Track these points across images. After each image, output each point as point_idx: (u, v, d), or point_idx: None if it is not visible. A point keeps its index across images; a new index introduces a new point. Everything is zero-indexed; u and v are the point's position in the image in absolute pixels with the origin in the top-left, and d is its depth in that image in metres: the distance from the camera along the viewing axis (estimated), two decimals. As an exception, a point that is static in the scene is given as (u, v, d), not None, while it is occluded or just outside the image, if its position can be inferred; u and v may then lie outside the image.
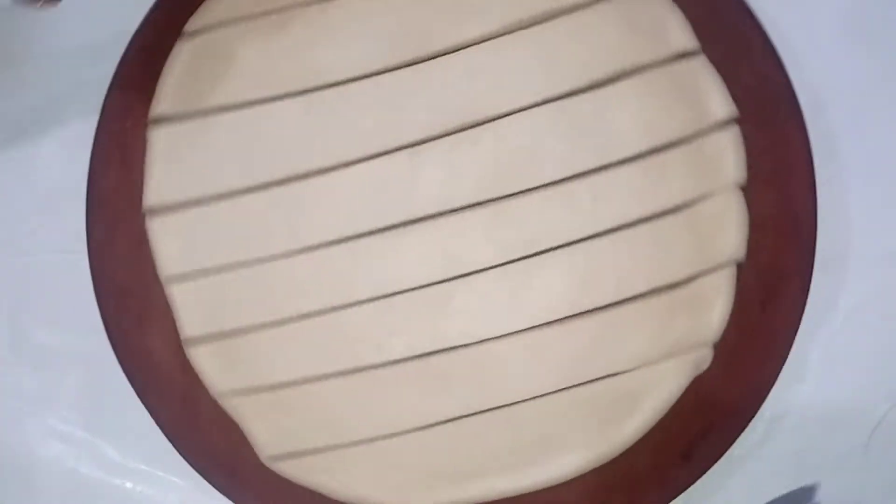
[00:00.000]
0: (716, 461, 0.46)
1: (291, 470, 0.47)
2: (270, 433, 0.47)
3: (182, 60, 0.48)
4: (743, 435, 0.47)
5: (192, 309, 0.48)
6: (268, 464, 0.47)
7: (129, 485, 0.51)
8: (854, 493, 0.49)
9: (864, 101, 0.50)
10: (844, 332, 0.50)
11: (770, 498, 0.49)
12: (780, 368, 0.46)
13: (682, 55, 0.47)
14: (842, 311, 0.50)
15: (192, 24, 0.48)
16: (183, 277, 0.48)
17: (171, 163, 0.48)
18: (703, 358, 0.47)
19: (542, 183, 0.47)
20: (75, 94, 0.51)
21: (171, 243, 0.48)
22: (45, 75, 0.52)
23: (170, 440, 0.47)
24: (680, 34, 0.47)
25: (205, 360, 0.48)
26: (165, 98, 0.48)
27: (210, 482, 0.47)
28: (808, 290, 0.47)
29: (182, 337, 0.48)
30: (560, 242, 0.47)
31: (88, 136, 0.48)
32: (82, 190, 0.48)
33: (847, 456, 0.50)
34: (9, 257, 0.52)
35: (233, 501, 0.47)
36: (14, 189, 0.52)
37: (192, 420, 0.48)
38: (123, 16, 0.48)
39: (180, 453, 0.47)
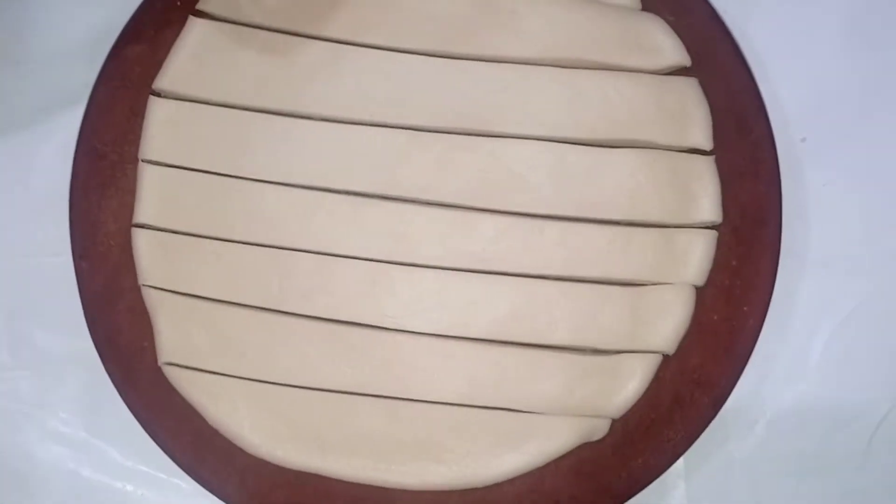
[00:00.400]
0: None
1: (181, 381, 0.48)
2: (175, 340, 0.48)
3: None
4: (744, 437, 0.50)
5: (150, 195, 0.49)
6: (163, 368, 0.48)
7: (129, 487, 0.51)
8: (855, 494, 0.51)
9: (861, 107, 0.52)
10: (844, 334, 0.51)
11: (771, 498, 0.51)
12: (658, 475, 0.47)
13: (694, 150, 0.49)
14: (842, 312, 0.51)
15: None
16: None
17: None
18: (598, 428, 0.48)
19: (517, 210, 0.48)
20: (67, 96, 0.51)
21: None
22: (37, 77, 0.52)
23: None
24: (700, 131, 0.48)
25: (145, 246, 0.48)
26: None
27: (108, 372, 0.48)
28: (717, 410, 0.48)
29: (133, 220, 0.49)
30: (509, 270, 0.48)
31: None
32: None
33: (848, 457, 0.51)
34: (6, 261, 0.52)
35: (120, 395, 0.48)
36: (10, 192, 0.52)
37: (110, 307, 0.49)
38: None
39: (94, 341, 0.48)
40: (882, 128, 0.52)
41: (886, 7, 0.52)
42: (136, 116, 0.49)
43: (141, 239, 0.49)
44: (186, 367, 0.48)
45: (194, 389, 0.48)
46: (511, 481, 0.47)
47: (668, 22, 0.49)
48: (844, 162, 0.52)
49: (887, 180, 0.52)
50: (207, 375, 0.48)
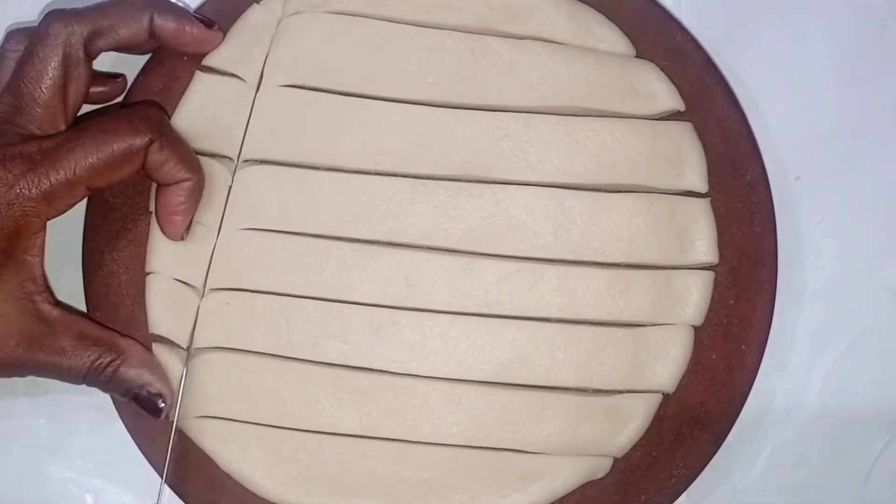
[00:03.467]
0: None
1: (193, 428, 0.49)
2: (185, 397, 0.49)
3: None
4: (746, 470, 0.52)
5: (161, 246, 0.50)
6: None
7: None
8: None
9: (853, 145, 0.53)
10: (842, 368, 0.53)
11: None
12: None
13: (690, 193, 0.50)
14: (839, 346, 0.53)
15: None
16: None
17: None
18: (601, 467, 0.49)
19: (519, 255, 0.49)
20: None
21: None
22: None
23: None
24: (696, 174, 0.50)
25: (156, 295, 0.50)
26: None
27: (122, 419, 0.50)
28: (718, 446, 0.49)
29: (146, 269, 0.50)
30: (512, 314, 0.49)
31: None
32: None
33: (848, 488, 0.52)
34: None
35: (134, 441, 0.50)
36: None
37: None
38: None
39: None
40: (873, 164, 0.53)
41: (874, 49, 0.53)
42: (146, 168, 0.51)
43: (152, 289, 0.50)
44: (200, 415, 0.49)
45: (207, 436, 0.49)
46: (517, 521, 0.49)
47: (663, 67, 0.50)
48: (838, 198, 0.53)
49: (880, 215, 0.53)
50: (219, 421, 0.49)
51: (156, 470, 0.50)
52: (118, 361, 0.46)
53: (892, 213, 0.53)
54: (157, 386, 0.47)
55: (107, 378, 0.46)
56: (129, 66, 0.51)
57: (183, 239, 0.49)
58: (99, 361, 0.45)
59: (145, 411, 0.47)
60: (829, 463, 0.53)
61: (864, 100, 0.53)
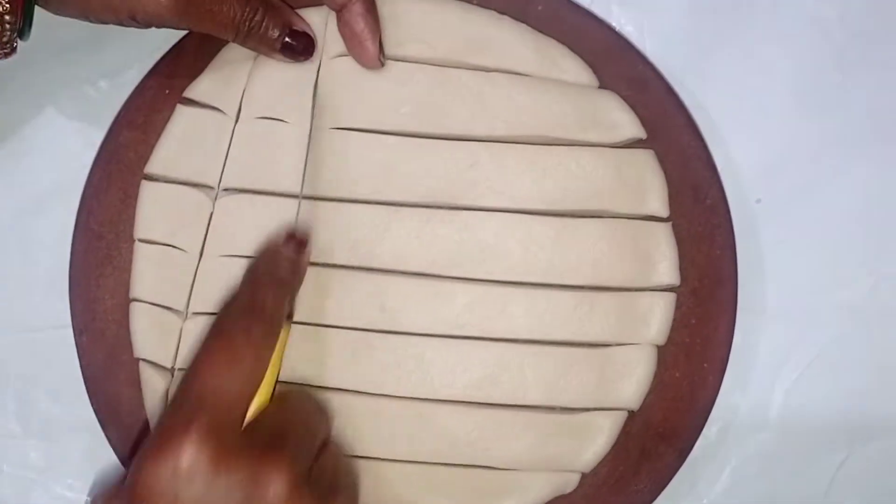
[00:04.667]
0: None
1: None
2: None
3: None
4: (712, 483, 0.54)
5: (144, 272, 0.52)
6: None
7: None
8: (817, 538, 0.54)
9: (811, 169, 0.55)
10: (802, 384, 0.54)
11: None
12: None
13: (652, 218, 0.52)
14: (799, 363, 0.54)
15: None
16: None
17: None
18: (569, 482, 0.51)
19: (488, 278, 0.51)
20: (66, 180, 0.54)
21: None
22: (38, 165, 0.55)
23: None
24: (657, 199, 0.52)
25: (140, 320, 0.52)
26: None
27: (108, 439, 0.52)
28: (682, 461, 0.51)
29: (130, 295, 0.52)
30: (482, 335, 0.51)
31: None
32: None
33: (809, 499, 0.54)
34: (14, 335, 0.55)
35: (120, 461, 0.52)
36: (16, 271, 0.55)
37: (110, 378, 0.52)
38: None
39: (95, 410, 0.52)
40: (830, 188, 0.55)
41: (832, 75, 0.55)
42: (129, 198, 0.53)
43: (136, 314, 0.52)
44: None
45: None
46: (490, 535, 0.51)
47: (625, 97, 0.52)
48: (797, 220, 0.55)
49: (837, 236, 0.55)
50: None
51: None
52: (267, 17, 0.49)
53: (848, 234, 0.55)
54: (301, 25, 0.50)
55: (257, 24, 0.48)
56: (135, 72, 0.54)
57: (382, 65, 0.51)
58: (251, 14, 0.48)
59: (297, 53, 0.50)
60: (791, 475, 0.54)
61: (822, 125, 0.55)
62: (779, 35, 0.55)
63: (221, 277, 0.51)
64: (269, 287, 0.45)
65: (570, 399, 0.51)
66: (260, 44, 0.49)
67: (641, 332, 0.51)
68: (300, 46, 0.50)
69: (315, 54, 0.51)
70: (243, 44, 0.49)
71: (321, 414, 0.48)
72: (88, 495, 0.54)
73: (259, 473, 0.40)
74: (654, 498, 0.51)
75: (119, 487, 0.41)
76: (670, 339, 0.51)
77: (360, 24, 0.49)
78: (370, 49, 0.50)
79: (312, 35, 0.51)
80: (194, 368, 0.42)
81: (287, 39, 0.50)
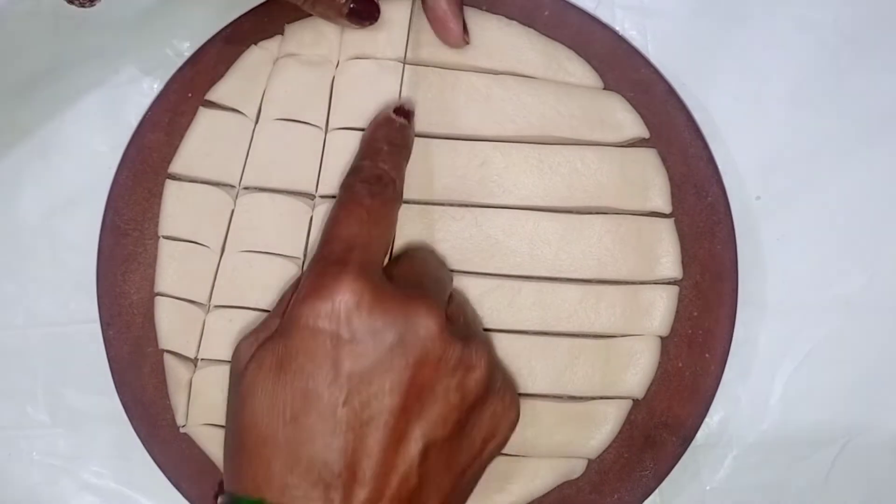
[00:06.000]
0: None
1: (200, 437, 0.54)
2: (192, 406, 0.54)
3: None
4: (714, 470, 0.56)
5: (168, 268, 0.54)
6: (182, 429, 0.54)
7: None
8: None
9: (809, 167, 0.57)
10: (801, 375, 0.56)
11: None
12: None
13: (655, 214, 0.54)
14: (798, 355, 0.56)
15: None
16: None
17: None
18: (576, 468, 0.53)
19: (497, 272, 0.53)
20: (93, 180, 0.57)
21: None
22: (67, 165, 0.58)
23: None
24: (660, 197, 0.54)
25: (165, 314, 0.54)
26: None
27: (135, 429, 0.54)
28: (685, 448, 0.53)
29: (154, 290, 0.54)
30: (492, 327, 0.53)
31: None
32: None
33: (809, 487, 0.56)
34: (44, 329, 0.57)
35: (146, 449, 0.54)
36: (46, 268, 0.58)
37: (135, 370, 0.55)
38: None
39: (121, 401, 0.54)
40: (828, 185, 0.57)
41: (827, 78, 0.57)
42: (154, 197, 0.55)
43: (161, 308, 0.54)
44: (204, 425, 0.53)
45: (213, 442, 0.53)
46: (499, 519, 0.53)
47: (629, 98, 0.54)
48: (796, 217, 0.57)
49: (834, 232, 0.57)
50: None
51: (166, 476, 0.54)
52: None
53: (845, 230, 0.57)
54: None
55: None
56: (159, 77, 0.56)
57: (467, 43, 0.52)
58: None
59: (362, 18, 0.51)
60: (791, 464, 0.56)
61: (818, 125, 0.57)
62: (775, 39, 0.57)
63: (242, 272, 0.53)
64: (389, 152, 0.49)
65: (577, 388, 0.53)
66: (329, 8, 0.51)
67: (645, 324, 0.53)
68: (365, 11, 0.52)
69: (332, 56, 0.53)
70: (311, 9, 0.51)
71: (445, 266, 0.52)
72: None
73: (409, 314, 0.42)
74: (658, 484, 0.53)
75: (269, 330, 0.44)
76: (673, 330, 0.53)
77: (442, 6, 0.51)
78: (454, 29, 0.52)
79: (377, 1, 0.52)
80: (334, 227, 0.45)
81: (353, 5, 0.51)
